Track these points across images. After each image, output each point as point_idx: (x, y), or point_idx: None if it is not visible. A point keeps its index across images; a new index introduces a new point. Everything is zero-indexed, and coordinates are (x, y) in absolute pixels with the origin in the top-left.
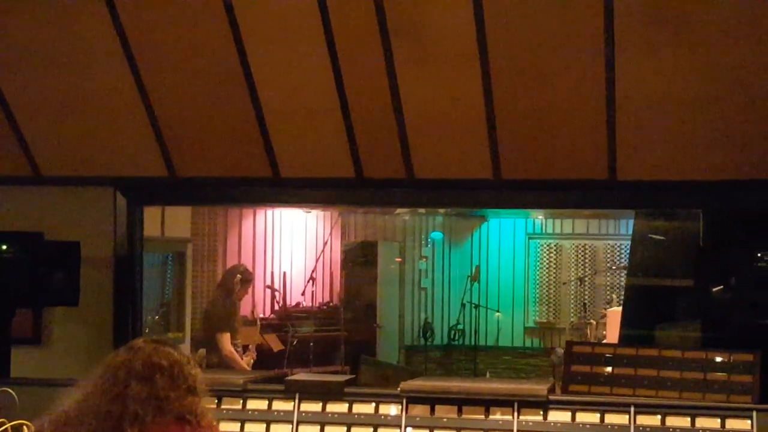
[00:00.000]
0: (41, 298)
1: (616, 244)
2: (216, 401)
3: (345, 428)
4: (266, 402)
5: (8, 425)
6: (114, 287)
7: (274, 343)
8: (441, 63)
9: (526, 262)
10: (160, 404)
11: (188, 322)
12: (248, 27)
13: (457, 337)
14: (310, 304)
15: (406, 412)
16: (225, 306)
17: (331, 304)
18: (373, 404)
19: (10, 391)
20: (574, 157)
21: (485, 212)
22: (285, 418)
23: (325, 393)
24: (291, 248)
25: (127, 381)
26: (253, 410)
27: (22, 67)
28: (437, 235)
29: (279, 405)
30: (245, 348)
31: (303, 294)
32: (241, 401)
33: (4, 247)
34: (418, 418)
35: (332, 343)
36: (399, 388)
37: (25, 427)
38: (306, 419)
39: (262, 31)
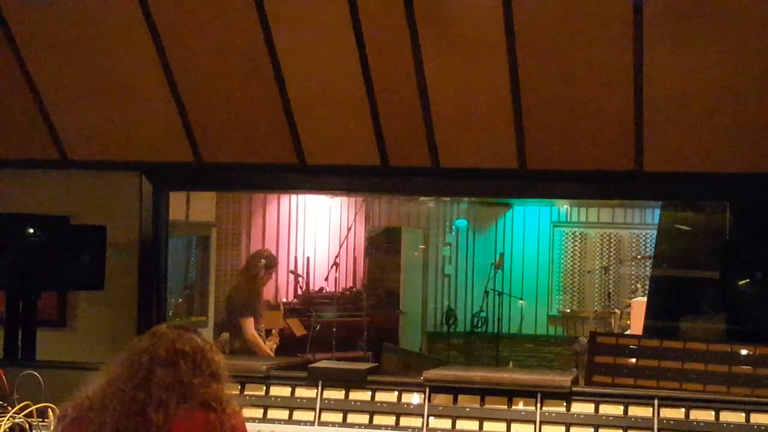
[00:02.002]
0: (66, 281)
1: (641, 233)
2: (239, 387)
3: (367, 416)
4: (289, 389)
5: (33, 407)
6: (139, 271)
7: (297, 328)
8: (468, 51)
9: (550, 250)
10: (184, 390)
11: (212, 306)
12: (275, 13)
13: (480, 325)
14: (334, 289)
15: (429, 401)
16: (248, 291)
17: (354, 289)
18: (396, 393)
19: (35, 373)
20: (601, 148)
21: (510, 200)
22: (308, 405)
23: (348, 381)
24: (315, 234)
25: (150, 367)
26: (276, 397)
27: (50, 52)
28: (461, 222)
29: (302, 392)
30: (268, 333)
31: (326, 279)
32: (265, 388)
33: (31, 230)
34: (440, 407)
35: (355, 329)
36: (422, 377)
37: (50, 410)
38: (329, 406)
39: (289, 18)
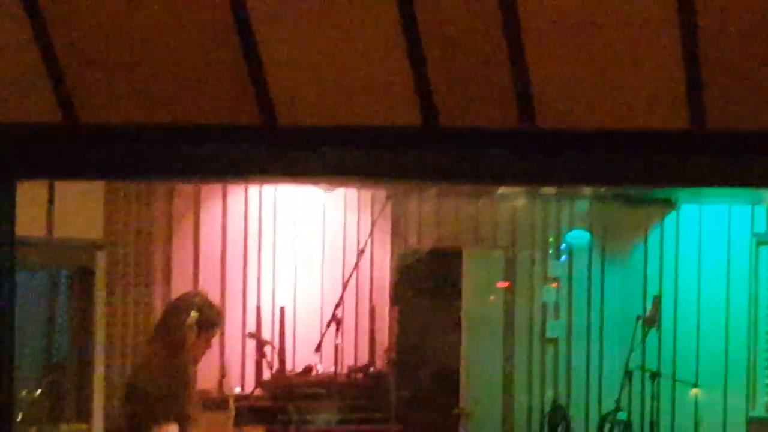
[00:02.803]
0: None
1: None
2: None
3: None
4: None
5: None
6: None
7: None
8: None
9: (751, 288)
10: None
11: (98, 402)
12: None
13: None
14: (333, 368)
15: None
16: (168, 372)
17: (371, 369)
18: None
19: None
20: None
21: (672, 193)
22: None
23: None
24: (295, 262)
25: None
26: None
27: None
28: (579, 237)
29: None
30: None
31: (318, 350)
32: None
33: None
34: None
35: None
36: None
37: None
38: None
39: None
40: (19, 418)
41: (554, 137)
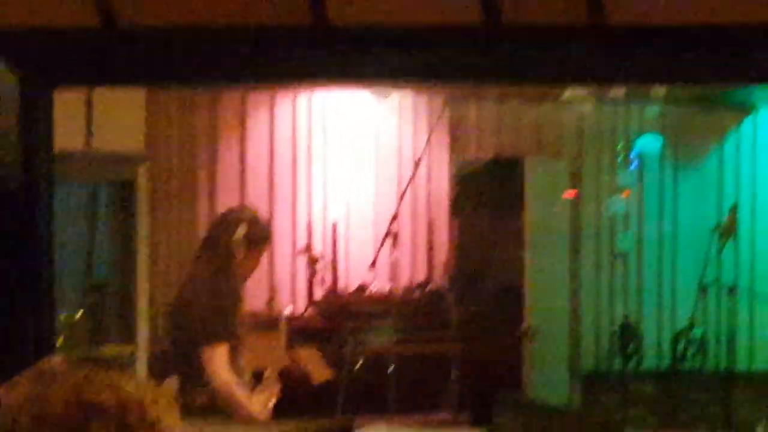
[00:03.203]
0: None
1: None
2: None
3: None
4: None
5: None
6: None
7: (317, 368)
8: None
9: None
10: None
11: (143, 323)
12: None
13: (690, 355)
14: (388, 286)
15: None
16: (215, 291)
17: (429, 287)
18: None
19: None
20: None
21: (749, 96)
22: None
23: None
24: (348, 173)
25: None
26: None
27: None
28: (650, 143)
29: None
30: (258, 377)
31: (372, 266)
32: None
33: None
34: None
35: (434, 367)
36: None
37: None
38: None
39: None
40: (62, 338)
41: (625, 33)
